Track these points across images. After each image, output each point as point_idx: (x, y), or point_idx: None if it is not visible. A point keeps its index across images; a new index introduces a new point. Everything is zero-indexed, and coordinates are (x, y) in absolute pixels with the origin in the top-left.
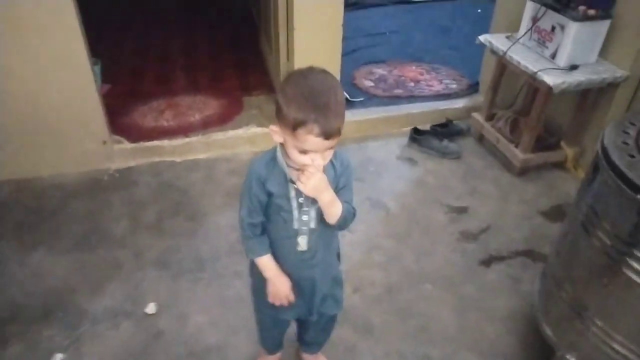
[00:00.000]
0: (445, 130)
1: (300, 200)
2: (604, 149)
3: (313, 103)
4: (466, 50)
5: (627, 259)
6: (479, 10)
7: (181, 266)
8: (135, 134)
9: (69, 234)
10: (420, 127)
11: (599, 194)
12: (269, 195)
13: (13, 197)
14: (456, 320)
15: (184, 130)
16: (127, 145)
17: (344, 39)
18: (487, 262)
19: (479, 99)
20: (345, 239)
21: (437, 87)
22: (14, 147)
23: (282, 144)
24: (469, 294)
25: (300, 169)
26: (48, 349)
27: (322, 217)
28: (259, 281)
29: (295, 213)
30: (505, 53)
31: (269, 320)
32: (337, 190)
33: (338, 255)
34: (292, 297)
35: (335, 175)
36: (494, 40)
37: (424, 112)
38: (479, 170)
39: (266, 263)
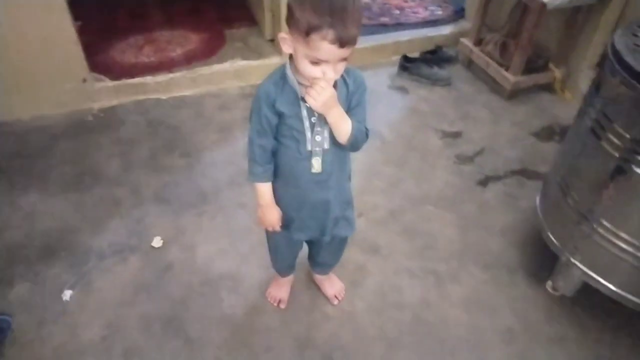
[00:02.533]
0: (435, 57)
1: (313, 119)
2: (616, 52)
3: (330, 5)
4: None
5: (639, 157)
6: None
7: (182, 201)
8: (116, 72)
9: (59, 175)
10: (410, 55)
11: (610, 98)
12: (280, 115)
13: None
14: (459, 237)
15: (167, 66)
16: (108, 83)
17: None
18: (484, 182)
19: (466, 24)
20: None
21: (423, 14)
22: None
23: (291, 60)
24: (470, 212)
25: (310, 84)
26: (56, 286)
27: (335, 138)
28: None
29: (308, 134)
30: None
31: (282, 242)
32: (350, 109)
33: (349, 177)
34: (277, 228)
35: (348, 93)
36: None
37: (411, 39)
38: (470, 95)
39: (264, 191)
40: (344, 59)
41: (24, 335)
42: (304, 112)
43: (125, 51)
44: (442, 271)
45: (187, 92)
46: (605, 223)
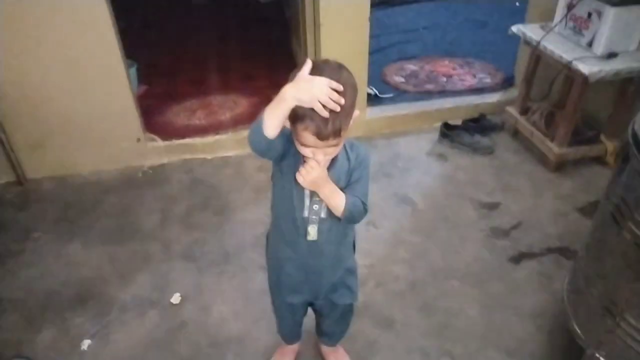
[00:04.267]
0: (478, 125)
1: None
2: (635, 135)
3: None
4: (502, 44)
5: None
6: (517, 4)
7: (207, 259)
8: (168, 132)
9: (102, 227)
10: (451, 122)
11: (630, 184)
12: (282, 157)
13: (54, 192)
14: (482, 318)
15: (215, 128)
16: (160, 143)
17: (375, 36)
18: (517, 259)
19: (514, 93)
20: (369, 233)
21: (471, 82)
22: (56, 145)
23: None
24: (497, 291)
25: (303, 161)
26: (78, 335)
27: None
28: (271, 264)
29: (307, 201)
30: (539, 43)
31: (283, 307)
32: (350, 183)
33: (353, 246)
34: (329, 90)
35: (349, 168)
36: (528, 30)
37: (455, 107)
38: (513, 165)
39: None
40: (334, 146)
41: None
42: None
43: (179, 114)
44: (459, 354)
45: (230, 153)
46: (629, 319)
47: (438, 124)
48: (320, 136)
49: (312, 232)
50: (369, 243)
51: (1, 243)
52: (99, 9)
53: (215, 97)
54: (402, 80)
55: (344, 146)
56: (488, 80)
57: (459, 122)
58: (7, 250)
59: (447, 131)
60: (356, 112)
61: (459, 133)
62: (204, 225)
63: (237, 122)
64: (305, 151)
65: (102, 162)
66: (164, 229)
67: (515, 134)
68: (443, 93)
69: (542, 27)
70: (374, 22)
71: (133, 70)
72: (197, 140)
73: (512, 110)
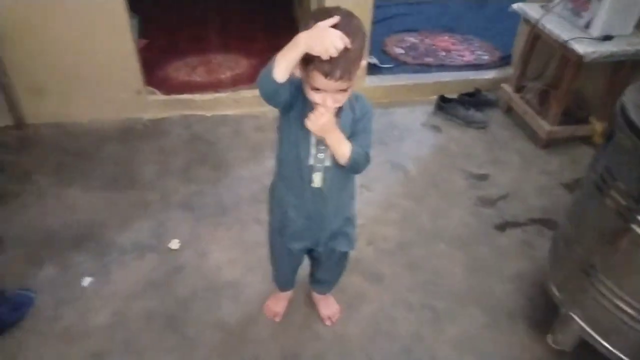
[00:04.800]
0: (473, 99)
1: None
2: (622, 108)
3: None
4: (502, 22)
5: (639, 217)
6: None
7: (204, 210)
8: (169, 87)
9: (101, 174)
10: (447, 95)
11: (615, 154)
12: (290, 106)
13: (53, 138)
14: (465, 278)
15: (215, 86)
16: (160, 96)
17: (378, 6)
18: (502, 226)
19: (510, 71)
20: (362, 196)
21: (469, 58)
22: (56, 92)
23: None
24: (481, 255)
25: (313, 107)
26: (78, 273)
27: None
28: (275, 212)
29: (312, 149)
30: (538, 21)
31: (284, 253)
32: (354, 134)
33: (352, 195)
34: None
35: (354, 119)
36: (528, 8)
37: (452, 80)
38: (504, 140)
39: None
40: (344, 90)
41: (42, 312)
42: None
43: (180, 69)
44: (441, 308)
45: (229, 112)
46: (604, 280)
47: (434, 97)
48: (330, 77)
49: (317, 179)
50: (362, 204)
51: (1, 183)
52: None
53: (216, 56)
54: (402, 51)
55: (349, 98)
56: (486, 57)
57: (455, 95)
58: (6, 191)
59: (443, 104)
60: (363, 62)
61: (455, 106)
62: (202, 179)
63: (236, 82)
64: (314, 97)
65: (101, 112)
66: (163, 180)
67: (509, 110)
68: (441, 67)
69: (543, 7)
70: None
71: (134, 23)
72: (196, 97)
73: (507, 88)
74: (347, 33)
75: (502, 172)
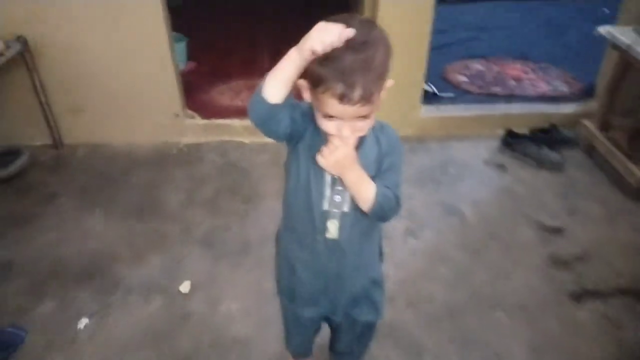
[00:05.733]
0: (547, 136)
1: (335, 175)
2: None
3: (339, 58)
4: (584, 51)
5: None
6: (606, 11)
7: (225, 247)
8: (209, 111)
9: (126, 201)
10: (517, 130)
11: None
12: (296, 137)
13: (85, 160)
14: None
15: None
16: (199, 121)
17: (440, 31)
18: (579, 296)
19: (593, 105)
20: (406, 244)
21: (544, 88)
22: (94, 113)
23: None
24: (551, 330)
25: (327, 140)
26: (77, 312)
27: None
28: (282, 269)
29: (327, 191)
30: (630, 47)
31: (293, 320)
32: (380, 172)
33: (380, 253)
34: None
35: (380, 153)
36: (618, 32)
37: (523, 114)
38: (584, 186)
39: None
40: (364, 117)
41: (30, 353)
42: None
43: (224, 93)
44: None
45: (269, 139)
46: None
47: (500, 131)
48: (347, 100)
49: (333, 228)
50: (405, 254)
51: (24, 204)
52: None
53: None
54: (466, 79)
55: (373, 128)
56: (564, 88)
57: (525, 131)
58: (29, 212)
59: (511, 139)
60: (390, 82)
61: (525, 143)
62: (229, 211)
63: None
64: (328, 126)
65: (137, 134)
66: (187, 210)
67: (591, 151)
68: (511, 97)
69: (636, 31)
70: (440, 17)
71: (182, 45)
72: (236, 122)
73: (590, 124)
74: (368, 43)
75: (581, 226)
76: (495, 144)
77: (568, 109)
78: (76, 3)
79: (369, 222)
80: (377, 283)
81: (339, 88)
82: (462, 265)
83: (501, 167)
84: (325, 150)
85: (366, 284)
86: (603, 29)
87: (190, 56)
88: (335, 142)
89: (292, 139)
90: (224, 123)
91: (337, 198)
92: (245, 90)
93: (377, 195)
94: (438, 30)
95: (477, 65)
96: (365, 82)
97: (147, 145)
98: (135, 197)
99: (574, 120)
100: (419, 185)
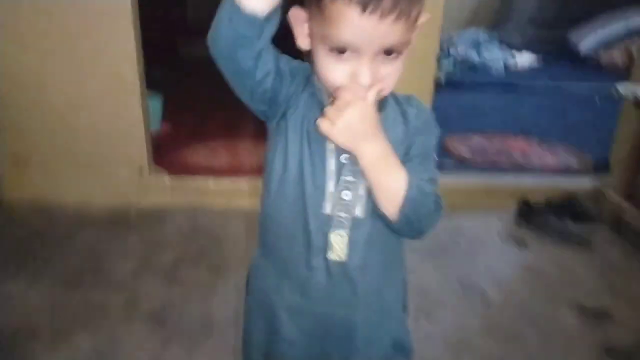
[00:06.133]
0: (568, 208)
1: (344, 158)
2: None
3: None
4: (585, 130)
5: None
6: (598, 100)
7: (181, 325)
8: (180, 169)
9: (63, 266)
10: (533, 201)
11: None
12: (280, 102)
13: (26, 218)
14: None
15: (236, 171)
16: (166, 178)
17: (437, 110)
18: None
19: (610, 179)
20: (420, 328)
21: (552, 161)
22: (41, 164)
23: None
24: None
25: (334, 98)
26: None
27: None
28: (254, 319)
29: (330, 183)
30: None
31: None
32: (408, 156)
33: (404, 305)
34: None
35: (407, 131)
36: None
37: (536, 186)
38: (619, 263)
39: None
40: (391, 53)
41: None
42: (330, 143)
43: (199, 152)
44: None
45: (246, 203)
46: None
47: (511, 204)
48: (373, 6)
49: (338, 244)
50: (418, 342)
51: None
52: (124, 26)
53: (245, 141)
54: (467, 151)
55: (396, 99)
56: (574, 162)
57: (542, 201)
58: None
59: (528, 211)
60: (427, 15)
61: (544, 215)
62: (190, 282)
63: (262, 168)
64: (336, 72)
65: (92, 192)
66: (137, 279)
67: (618, 224)
68: (519, 168)
69: None
70: (437, 100)
71: (157, 104)
72: (210, 182)
73: (614, 195)
74: None
75: (629, 308)
76: (507, 216)
77: (583, 182)
78: (31, 30)
79: (390, 236)
80: (403, 346)
81: None
82: (491, 355)
83: (520, 241)
84: (330, 110)
85: (387, 348)
86: (622, 87)
87: (166, 117)
88: (347, 95)
89: (276, 105)
90: (195, 183)
91: (346, 195)
92: (225, 150)
93: (411, 186)
94: (434, 108)
95: (478, 139)
96: None
97: (102, 204)
98: (75, 262)
99: (590, 193)
100: (429, 258)
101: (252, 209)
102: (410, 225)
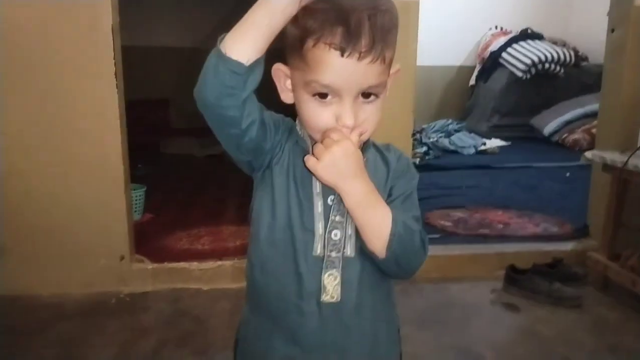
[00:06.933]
0: (555, 271)
1: (331, 200)
2: None
3: (338, 5)
4: (560, 201)
5: None
6: (568, 174)
7: None
8: (162, 255)
9: (37, 358)
10: (519, 267)
11: None
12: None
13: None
14: None
15: (219, 254)
16: (147, 265)
17: (418, 189)
18: None
19: (591, 242)
20: None
21: (534, 230)
22: (18, 254)
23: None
24: None
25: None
26: None
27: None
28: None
29: (319, 225)
30: (626, 162)
31: None
32: (391, 197)
33: (398, 332)
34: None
35: (388, 175)
36: (607, 154)
37: (520, 252)
38: (613, 322)
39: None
40: (369, 95)
41: None
42: (317, 186)
43: (182, 239)
44: None
45: (231, 285)
46: None
47: (499, 272)
48: (351, 48)
49: (331, 283)
50: None
51: None
52: (111, 111)
53: (228, 227)
54: (450, 224)
55: (375, 146)
56: (555, 229)
57: (528, 267)
58: None
59: (516, 276)
60: (397, 66)
61: (533, 279)
62: None
63: (246, 250)
64: (320, 116)
65: (70, 282)
66: None
67: (605, 284)
68: (503, 238)
69: (623, 152)
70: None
71: (140, 193)
72: (193, 266)
73: (598, 256)
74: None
75: None
76: (496, 284)
77: (566, 245)
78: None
79: (383, 278)
80: None
81: (339, 32)
82: None
83: (512, 306)
84: (318, 147)
85: None
86: (590, 154)
87: (148, 208)
88: (333, 135)
89: (262, 154)
90: (178, 267)
91: (336, 235)
92: (208, 235)
93: (396, 222)
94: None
95: (458, 213)
96: (374, 24)
97: (81, 294)
98: (50, 354)
99: (576, 255)
100: (423, 327)
101: (238, 289)
102: (397, 262)
